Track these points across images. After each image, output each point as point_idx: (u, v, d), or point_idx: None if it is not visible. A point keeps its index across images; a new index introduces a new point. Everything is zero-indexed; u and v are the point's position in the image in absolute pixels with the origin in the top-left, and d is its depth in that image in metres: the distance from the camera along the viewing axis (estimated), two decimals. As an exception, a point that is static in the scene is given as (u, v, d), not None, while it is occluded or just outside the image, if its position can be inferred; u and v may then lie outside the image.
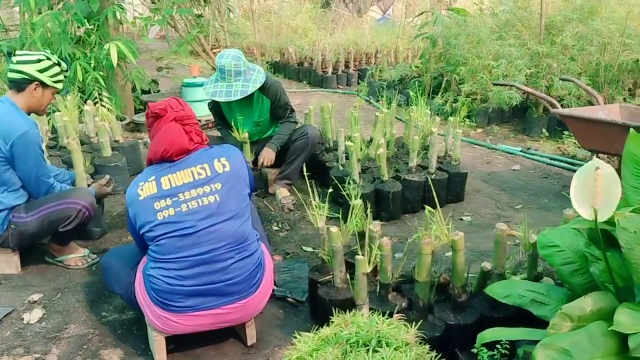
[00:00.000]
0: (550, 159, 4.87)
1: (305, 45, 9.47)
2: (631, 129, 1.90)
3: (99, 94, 5.01)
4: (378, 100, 7.24)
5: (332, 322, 1.86)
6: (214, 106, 3.91)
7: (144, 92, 7.08)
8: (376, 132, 3.88)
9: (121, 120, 5.76)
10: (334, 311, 1.96)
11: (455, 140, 3.88)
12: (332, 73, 8.82)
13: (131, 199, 2.22)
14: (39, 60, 2.81)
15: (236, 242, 2.16)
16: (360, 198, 3.38)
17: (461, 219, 3.64)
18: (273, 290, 2.79)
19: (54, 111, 4.29)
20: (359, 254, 2.14)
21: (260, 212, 3.66)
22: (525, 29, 6.07)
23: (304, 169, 3.24)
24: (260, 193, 3.94)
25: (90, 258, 3.10)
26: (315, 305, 2.46)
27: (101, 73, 5.00)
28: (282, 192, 3.92)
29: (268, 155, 3.85)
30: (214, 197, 2.15)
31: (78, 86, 4.94)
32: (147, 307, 2.18)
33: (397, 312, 2.14)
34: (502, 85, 4.98)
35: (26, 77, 2.78)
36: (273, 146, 3.88)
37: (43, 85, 2.84)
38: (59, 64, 2.90)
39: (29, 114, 2.89)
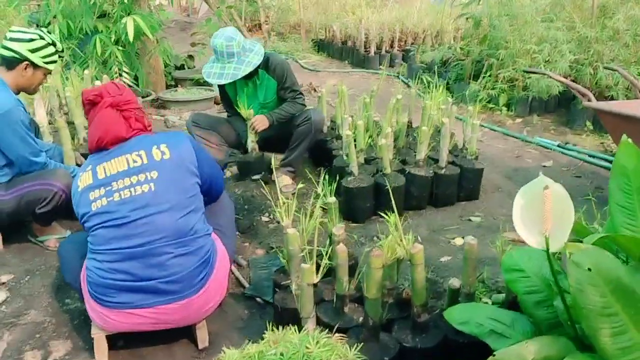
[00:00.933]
0: (589, 155, 4.42)
1: (350, 23, 9.14)
2: (623, 136, 1.57)
3: (119, 69, 4.95)
4: (417, 83, 6.91)
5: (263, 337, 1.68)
6: (221, 86, 3.74)
7: (178, 67, 7.04)
8: (385, 119, 3.60)
9: (145, 97, 5.73)
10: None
11: (472, 132, 3.55)
12: (375, 53, 8.48)
13: (72, 190, 2.13)
14: (31, 40, 2.72)
15: (174, 235, 2.00)
16: (357, 191, 3.19)
17: (469, 220, 3.33)
18: (244, 288, 2.65)
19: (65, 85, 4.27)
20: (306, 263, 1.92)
21: (254, 201, 3.50)
22: (576, 11, 5.53)
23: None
24: (263, 178, 3.77)
25: (71, 239, 3.03)
26: (274, 311, 2.28)
27: (121, 48, 4.93)
28: (284, 180, 3.73)
29: (260, 120, 3.62)
30: (149, 186, 2.00)
31: (97, 60, 4.90)
32: (86, 301, 2.08)
33: (350, 328, 1.95)
34: (533, 73, 4.54)
35: (17, 55, 2.70)
36: (268, 116, 3.65)
37: (34, 65, 2.76)
38: (53, 44, 2.80)
39: (18, 93, 2.83)
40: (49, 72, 2.88)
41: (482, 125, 5.29)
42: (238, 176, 3.81)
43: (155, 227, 1.97)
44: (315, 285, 2.24)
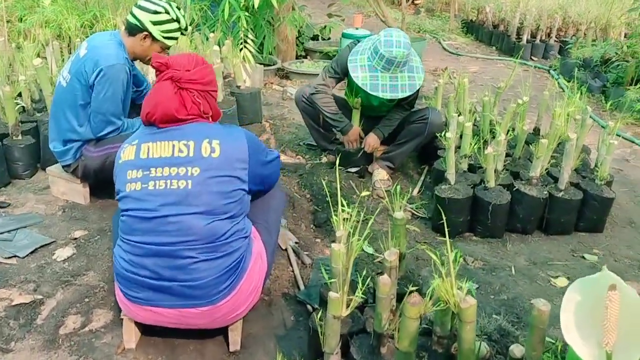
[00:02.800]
0: None
1: (506, 6, 8.35)
2: None
3: (245, 35, 4.91)
4: (569, 81, 6.11)
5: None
6: (339, 69, 3.34)
7: (312, 38, 6.91)
8: (501, 125, 3.12)
9: (269, 65, 5.68)
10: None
11: (607, 152, 2.95)
12: (528, 41, 7.65)
13: (116, 160, 2.00)
14: (156, 12, 2.70)
15: (204, 240, 1.82)
16: (449, 203, 2.81)
17: (583, 257, 2.79)
18: (299, 290, 2.44)
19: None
20: (334, 292, 1.64)
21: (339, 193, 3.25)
22: None
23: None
24: (361, 172, 3.51)
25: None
26: (310, 331, 2.04)
27: (248, 14, 4.87)
28: (380, 174, 3.44)
29: (372, 142, 3.39)
30: (186, 182, 1.81)
31: (224, 24, 4.90)
32: (116, 288, 2.00)
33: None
34: None
35: (138, 24, 2.71)
36: (379, 133, 3.40)
37: (152, 37, 2.75)
38: (177, 21, 2.76)
39: (134, 60, 2.85)
40: (167, 47, 2.86)
41: (633, 141, 4.50)
42: (332, 165, 3.58)
43: (183, 228, 1.80)
44: (362, 308, 1.98)
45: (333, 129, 3.50)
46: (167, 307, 1.86)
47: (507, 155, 3.27)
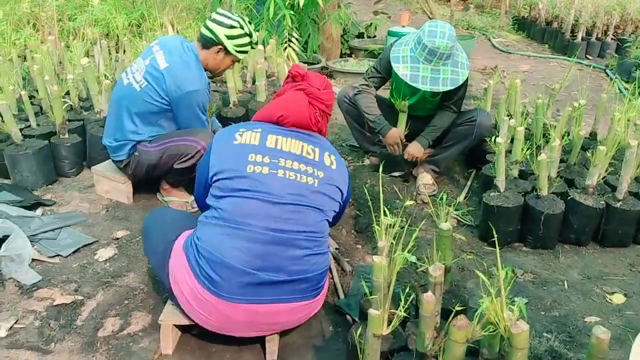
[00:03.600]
0: None
1: (560, 2, 8.02)
2: None
3: (289, 34, 4.87)
4: (627, 82, 5.82)
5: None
6: (382, 69, 3.25)
7: (358, 36, 6.81)
8: (557, 128, 2.96)
9: (314, 64, 5.62)
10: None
11: (672, 160, 2.75)
12: (583, 39, 7.32)
13: (220, 140, 2.00)
14: (232, 27, 2.77)
15: (317, 234, 1.92)
16: (498, 211, 2.68)
17: (640, 272, 2.62)
18: (338, 298, 2.37)
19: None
20: (374, 309, 1.56)
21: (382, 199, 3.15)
22: None
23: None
24: (405, 176, 3.40)
25: (192, 206, 3.01)
26: (348, 346, 1.96)
27: (293, 12, 4.82)
28: (425, 178, 3.33)
29: (414, 151, 3.26)
30: (314, 180, 1.93)
31: (269, 22, 4.87)
32: (182, 281, 1.87)
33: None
34: None
35: (214, 38, 2.78)
36: (424, 141, 3.27)
37: (226, 50, 2.81)
38: (250, 35, 2.83)
39: (206, 71, 2.89)
40: (238, 60, 2.94)
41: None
42: (375, 168, 3.49)
43: (305, 218, 1.88)
44: (404, 323, 1.89)
45: (374, 132, 3.40)
46: (268, 303, 1.83)
47: (562, 161, 3.10)
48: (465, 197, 3.29)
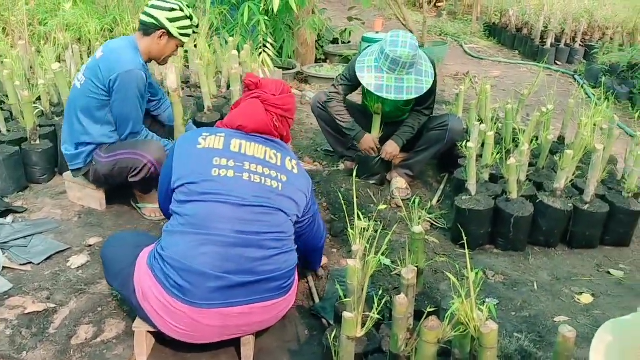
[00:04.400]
0: None
1: (530, 9, 8.19)
2: None
3: (264, 39, 4.88)
4: (595, 87, 5.97)
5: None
6: (351, 77, 3.27)
7: (333, 42, 6.86)
8: (525, 133, 3.03)
9: (289, 69, 5.64)
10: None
11: (635, 164, 2.85)
12: (552, 45, 7.49)
13: (183, 144, 2.00)
14: (172, 9, 2.75)
15: (284, 234, 1.95)
16: (470, 214, 2.73)
17: (608, 272, 2.69)
18: (312, 305, 2.39)
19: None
20: (348, 312, 1.58)
21: (357, 200, 3.18)
22: None
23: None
24: (379, 180, 3.44)
25: (166, 212, 3.00)
26: (324, 349, 1.98)
27: (267, 18, 4.84)
28: (398, 182, 3.37)
29: (390, 150, 3.31)
30: (278, 184, 1.95)
31: (244, 28, 4.87)
32: (150, 297, 1.85)
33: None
34: None
35: (155, 22, 2.74)
36: (399, 140, 3.32)
37: (169, 34, 2.79)
38: (190, 18, 2.82)
39: (149, 61, 2.87)
40: (182, 44, 2.91)
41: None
42: (350, 172, 3.52)
43: (271, 219, 1.91)
44: (378, 325, 1.92)
45: (348, 137, 3.45)
46: (240, 305, 1.84)
47: (531, 165, 3.18)
48: (439, 201, 3.34)
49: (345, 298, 1.81)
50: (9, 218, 2.90)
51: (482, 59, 7.66)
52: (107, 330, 2.19)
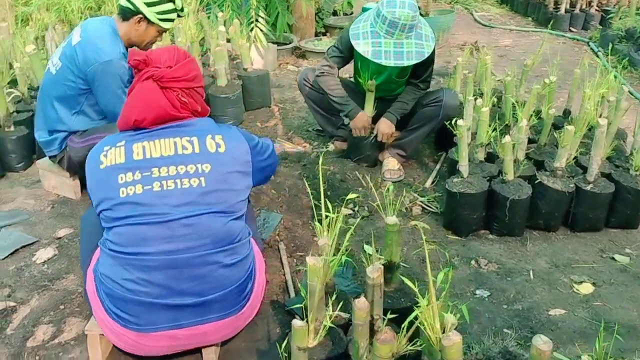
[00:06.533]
0: None
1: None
2: None
3: (256, 14, 4.65)
4: (608, 54, 5.63)
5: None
6: (344, 47, 3.07)
7: (334, 14, 6.59)
8: (524, 108, 2.80)
9: (286, 44, 5.42)
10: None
11: (644, 139, 2.61)
12: (566, 11, 7.11)
13: (90, 166, 1.76)
14: None
15: (222, 242, 1.67)
16: (460, 198, 2.53)
17: (612, 258, 2.48)
18: (285, 300, 2.23)
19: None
20: (299, 318, 1.41)
21: (341, 186, 3.01)
22: None
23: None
24: (368, 157, 3.23)
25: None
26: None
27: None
28: (390, 163, 3.18)
29: (385, 128, 3.08)
30: (199, 180, 1.66)
31: (234, 2, 4.65)
32: (97, 313, 1.74)
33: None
34: None
35: (131, 7, 2.53)
36: (392, 117, 3.09)
37: (147, 20, 2.57)
38: (173, 2, 2.58)
39: (130, 47, 2.67)
40: (164, 30, 2.68)
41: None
42: (340, 153, 3.32)
43: (200, 230, 1.65)
44: (347, 326, 1.75)
45: (340, 114, 3.23)
46: (182, 327, 1.66)
47: (532, 142, 2.95)
48: (433, 182, 3.13)
49: (305, 299, 1.65)
50: (-21, 210, 2.78)
51: (492, 27, 7.30)
52: (66, 330, 2.06)
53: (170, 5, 2.58)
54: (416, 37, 2.80)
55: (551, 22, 6.99)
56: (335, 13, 6.51)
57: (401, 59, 2.78)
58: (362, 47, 2.81)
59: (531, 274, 2.35)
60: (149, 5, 2.53)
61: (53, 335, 2.03)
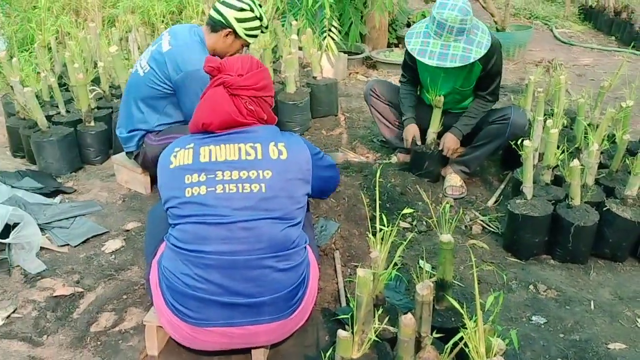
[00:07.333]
0: None
1: (632, -9, 7.44)
2: None
3: (329, 23, 4.72)
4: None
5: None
6: (409, 55, 3.09)
7: (408, 25, 6.57)
8: (596, 132, 2.69)
9: (357, 54, 5.46)
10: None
11: None
12: (655, 30, 6.76)
13: (161, 165, 1.86)
14: (242, 10, 2.67)
15: (277, 247, 1.73)
16: (523, 220, 2.47)
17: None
18: (337, 308, 2.25)
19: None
20: (344, 330, 1.43)
21: (401, 199, 2.99)
22: None
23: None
24: (431, 172, 3.20)
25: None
26: None
27: (332, 1, 4.66)
28: (453, 179, 3.14)
29: (450, 143, 3.07)
30: (259, 186, 1.72)
31: (308, 11, 4.73)
32: (158, 305, 1.83)
33: None
34: None
35: (223, 21, 2.68)
36: (457, 132, 3.07)
37: (235, 34, 2.72)
38: (260, 19, 2.72)
39: (214, 55, 2.81)
40: (247, 44, 2.83)
41: None
42: (402, 166, 3.31)
43: (260, 234, 1.70)
44: (393, 340, 1.75)
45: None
46: (238, 326, 1.73)
47: (604, 166, 2.84)
48: (496, 202, 3.07)
49: (354, 311, 1.66)
50: (57, 198, 2.98)
51: (572, 44, 7.05)
52: (127, 319, 2.17)
53: (257, 23, 2.72)
54: (466, 42, 2.78)
55: (632, 42, 6.68)
56: (409, 25, 6.48)
57: (444, 60, 2.77)
58: (412, 45, 2.86)
59: (592, 304, 2.26)
60: (239, 21, 2.67)
61: (115, 323, 2.15)
